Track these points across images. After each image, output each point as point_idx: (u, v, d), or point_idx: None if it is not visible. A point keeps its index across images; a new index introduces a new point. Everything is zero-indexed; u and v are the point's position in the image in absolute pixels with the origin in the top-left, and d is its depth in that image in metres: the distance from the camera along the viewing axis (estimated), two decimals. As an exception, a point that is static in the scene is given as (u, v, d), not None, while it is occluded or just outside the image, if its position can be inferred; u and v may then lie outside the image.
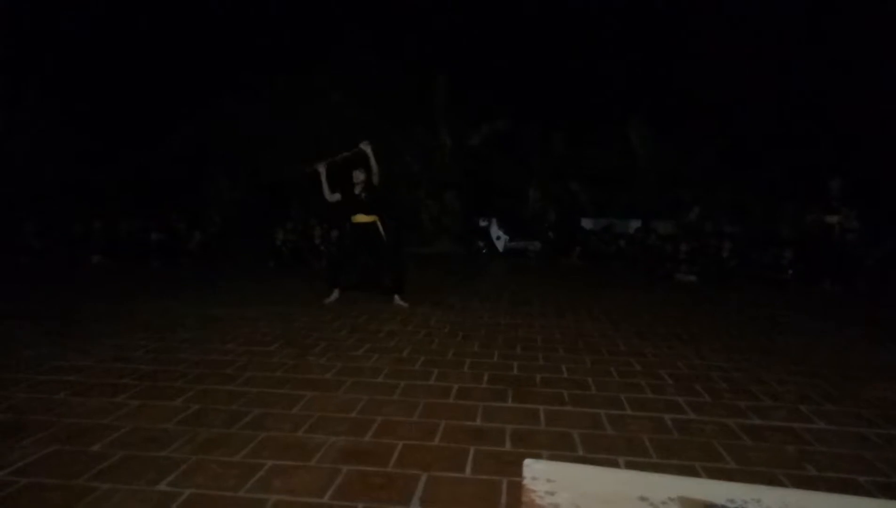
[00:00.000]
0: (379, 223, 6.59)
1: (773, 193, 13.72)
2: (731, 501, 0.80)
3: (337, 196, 6.57)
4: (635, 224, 13.61)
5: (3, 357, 3.95)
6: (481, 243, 14.39)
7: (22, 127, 13.14)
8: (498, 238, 14.21)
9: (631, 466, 2.52)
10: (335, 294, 6.64)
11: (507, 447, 2.70)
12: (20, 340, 4.49)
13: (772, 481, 2.43)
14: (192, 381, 3.54)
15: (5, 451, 2.51)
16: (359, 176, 6.45)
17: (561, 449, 2.68)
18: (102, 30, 13.98)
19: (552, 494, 0.81)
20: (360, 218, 6.54)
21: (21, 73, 13.07)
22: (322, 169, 6.51)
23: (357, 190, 6.49)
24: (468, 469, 2.46)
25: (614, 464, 2.53)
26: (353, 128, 13.60)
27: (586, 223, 14.45)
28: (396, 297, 6.61)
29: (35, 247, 10.41)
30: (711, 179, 14.32)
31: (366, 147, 6.34)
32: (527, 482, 0.83)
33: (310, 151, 13.55)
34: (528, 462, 0.86)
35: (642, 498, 0.79)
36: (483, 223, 14.56)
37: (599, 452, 2.66)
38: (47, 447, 2.56)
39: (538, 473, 0.84)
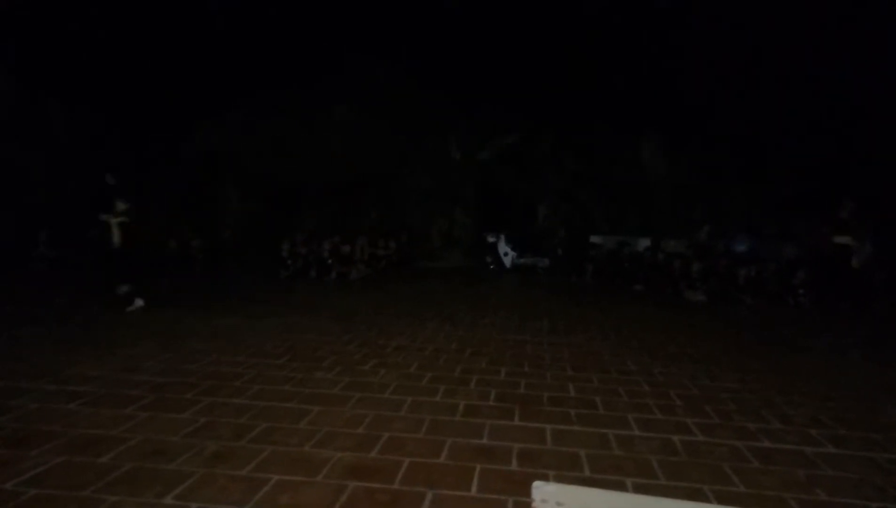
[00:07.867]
0: None
1: (784, 209, 13.63)
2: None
3: None
4: (645, 243, 13.52)
5: (14, 366, 3.99)
6: (489, 259, 14.34)
7: (39, 137, 13.34)
8: (506, 254, 14.13)
9: (639, 488, 2.50)
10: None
11: (514, 466, 2.69)
12: (32, 349, 4.53)
13: (782, 505, 2.40)
14: (201, 393, 3.56)
15: (15, 461, 2.53)
16: None
17: (568, 469, 2.67)
18: (118, 42, 14.22)
19: (561, 517, 0.81)
20: None
21: (38, 83, 13.31)
22: None
23: None
24: (474, 488, 2.45)
25: (622, 485, 2.51)
26: (364, 140, 13.76)
27: (597, 240, 14.36)
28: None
29: (49, 256, 10.53)
30: (723, 195, 14.24)
31: None
32: (536, 504, 0.83)
33: (322, 162, 13.82)
34: (537, 484, 0.86)
35: (651, 524, 0.79)
36: (491, 239, 14.49)
37: (607, 473, 2.65)
38: (56, 457, 2.58)
39: (548, 496, 0.83)
